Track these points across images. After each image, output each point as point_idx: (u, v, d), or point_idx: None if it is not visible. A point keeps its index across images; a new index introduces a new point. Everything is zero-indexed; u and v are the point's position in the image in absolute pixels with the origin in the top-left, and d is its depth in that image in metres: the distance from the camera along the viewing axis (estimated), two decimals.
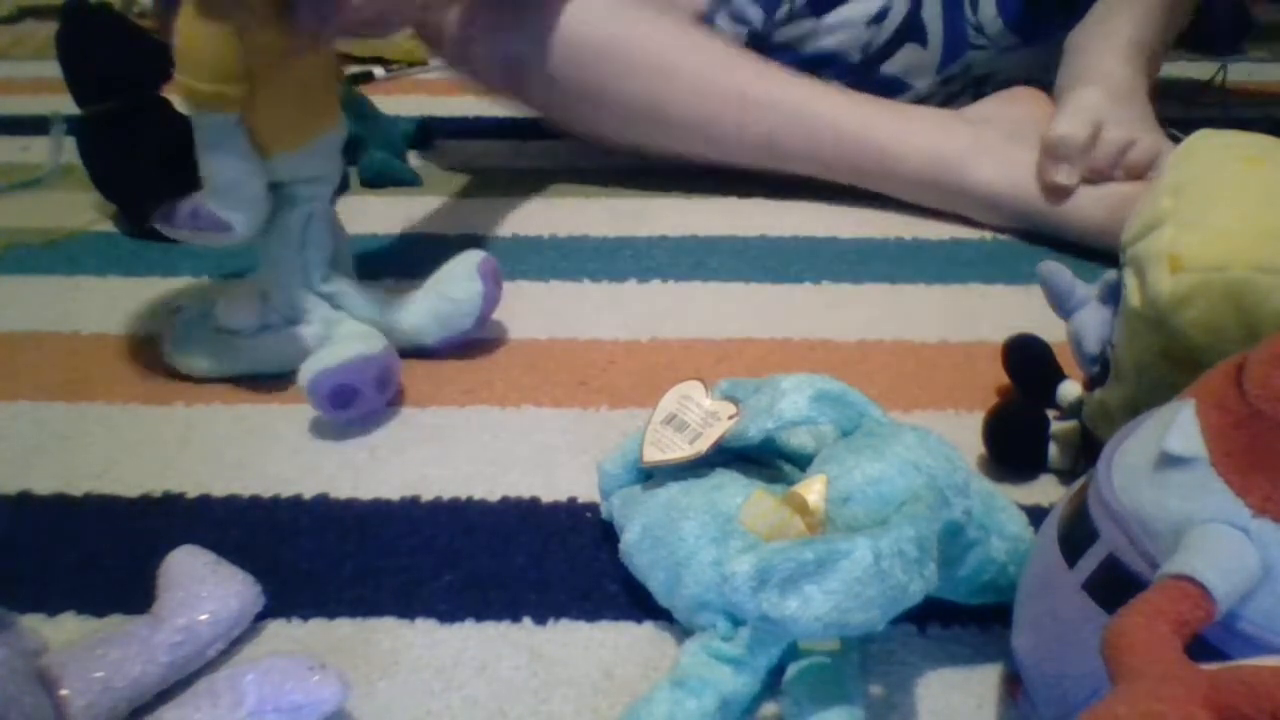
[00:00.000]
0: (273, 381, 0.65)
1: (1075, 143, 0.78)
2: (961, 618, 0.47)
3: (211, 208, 0.59)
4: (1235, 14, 1.22)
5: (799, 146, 0.87)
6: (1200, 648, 0.30)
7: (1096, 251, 0.78)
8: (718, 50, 0.88)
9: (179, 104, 0.64)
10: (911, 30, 0.93)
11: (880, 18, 0.91)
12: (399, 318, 0.66)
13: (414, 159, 1.00)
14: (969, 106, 0.91)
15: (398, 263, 0.80)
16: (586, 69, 0.87)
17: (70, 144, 0.88)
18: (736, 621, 0.43)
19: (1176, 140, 0.53)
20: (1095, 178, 0.79)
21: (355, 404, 0.60)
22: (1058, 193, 0.80)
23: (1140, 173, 0.77)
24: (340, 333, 0.64)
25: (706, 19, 0.92)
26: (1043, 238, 0.82)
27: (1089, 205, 0.79)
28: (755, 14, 0.91)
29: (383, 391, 0.62)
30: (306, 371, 0.60)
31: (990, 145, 0.84)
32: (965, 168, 0.84)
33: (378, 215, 0.89)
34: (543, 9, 0.86)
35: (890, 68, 0.93)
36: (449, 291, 0.67)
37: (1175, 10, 0.86)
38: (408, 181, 0.95)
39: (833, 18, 0.91)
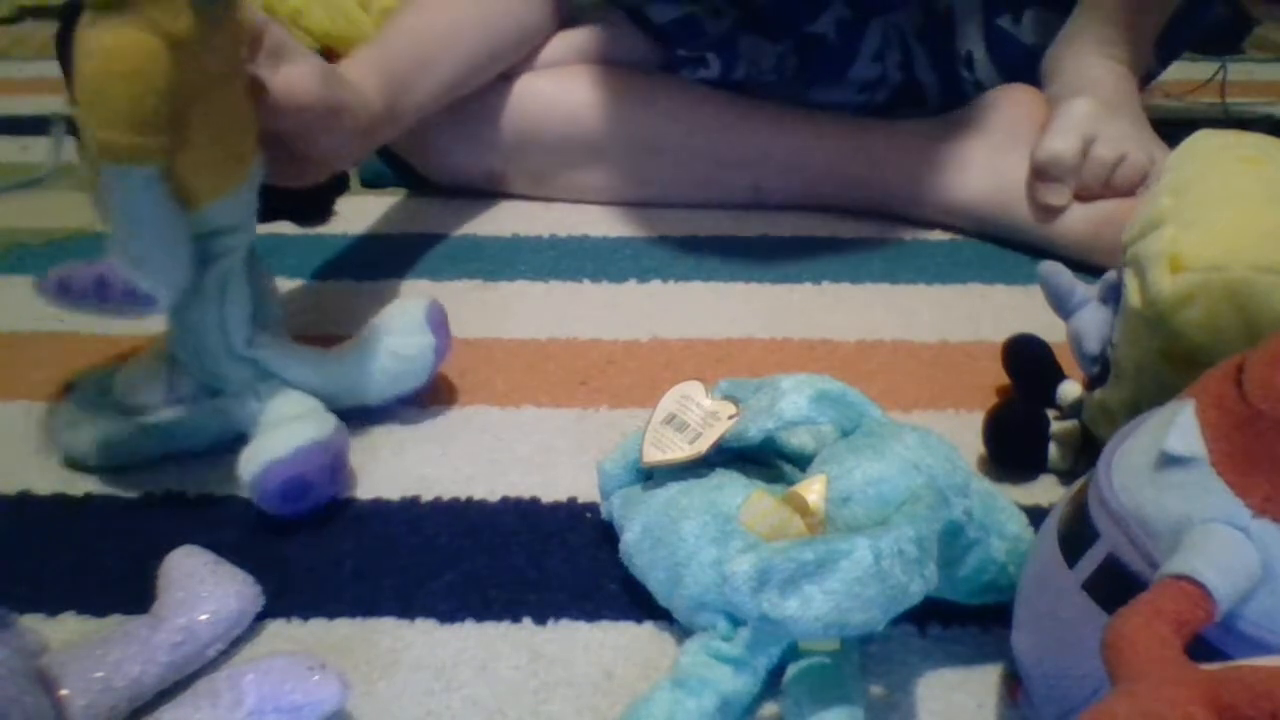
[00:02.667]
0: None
1: (1066, 162, 0.76)
2: (961, 618, 0.47)
3: (128, 277, 0.49)
4: (1235, 14, 1.22)
5: (783, 189, 0.88)
6: (1200, 648, 0.30)
7: None
8: (692, 115, 0.87)
9: None
10: (908, 92, 0.93)
11: (873, 86, 0.91)
12: (340, 381, 0.58)
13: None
14: (964, 109, 0.90)
15: (398, 263, 0.80)
16: (561, 165, 0.89)
17: (70, 144, 0.88)
18: (736, 621, 0.43)
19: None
20: (1083, 194, 0.78)
21: (308, 497, 0.52)
22: (1047, 211, 0.79)
23: (1128, 190, 0.76)
24: (278, 408, 0.55)
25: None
26: None
27: (1072, 221, 0.78)
28: (715, 68, 0.90)
29: (334, 481, 0.54)
30: (250, 463, 0.51)
31: (975, 159, 0.83)
32: (949, 186, 0.84)
33: (378, 215, 0.89)
34: (509, 124, 0.87)
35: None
36: (397, 348, 0.59)
37: (1150, 13, 0.85)
38: (407, 182, 0.94)
39: (819, 94, 0.91)
